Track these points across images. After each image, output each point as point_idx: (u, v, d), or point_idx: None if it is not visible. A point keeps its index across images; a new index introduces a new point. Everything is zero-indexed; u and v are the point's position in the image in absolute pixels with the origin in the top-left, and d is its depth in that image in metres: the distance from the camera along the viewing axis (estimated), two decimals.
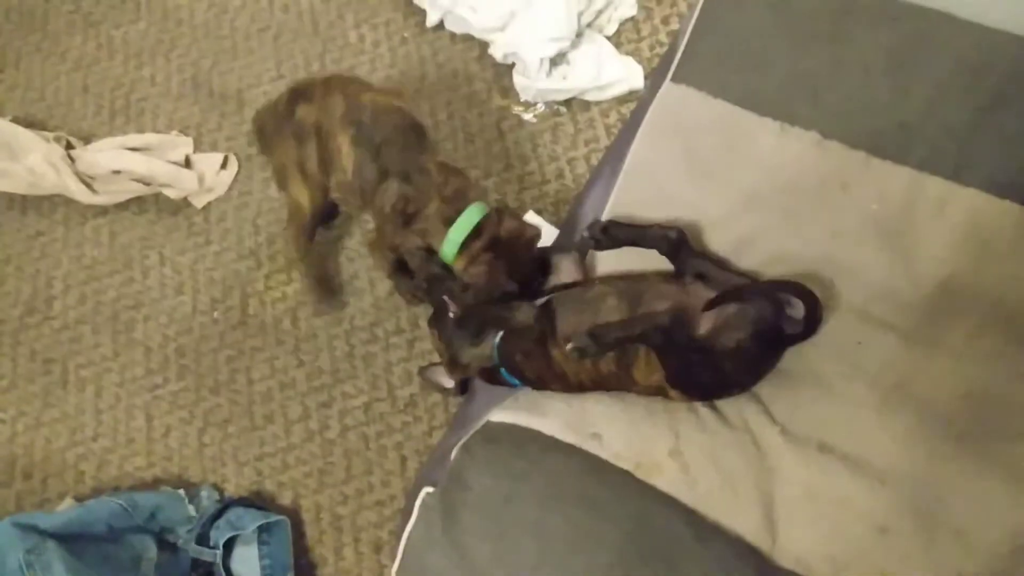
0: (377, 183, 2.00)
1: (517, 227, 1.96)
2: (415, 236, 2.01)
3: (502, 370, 1.88)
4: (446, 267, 2.00)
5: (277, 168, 2.20)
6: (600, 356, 1.68)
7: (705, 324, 1.64)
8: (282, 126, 2.10)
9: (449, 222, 1.94)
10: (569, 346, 1.66)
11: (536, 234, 1.97)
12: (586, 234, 1.83)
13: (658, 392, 1.68)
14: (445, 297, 2.00)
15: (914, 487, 1.55)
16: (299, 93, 2.09)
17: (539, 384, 1.81)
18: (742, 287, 1.69)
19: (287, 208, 2.27)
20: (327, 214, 2.43)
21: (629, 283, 1.76)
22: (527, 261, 1.95)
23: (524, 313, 1.82)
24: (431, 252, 2.01)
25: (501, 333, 1.88)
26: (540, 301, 1.83)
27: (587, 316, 1.72)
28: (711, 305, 1.64)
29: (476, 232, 1.94)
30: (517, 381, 1.86)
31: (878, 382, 1.65)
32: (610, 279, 1.82)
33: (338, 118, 2.01)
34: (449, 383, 2.08)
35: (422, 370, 2.19)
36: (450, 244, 1.94)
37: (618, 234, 1.81)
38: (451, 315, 1.98)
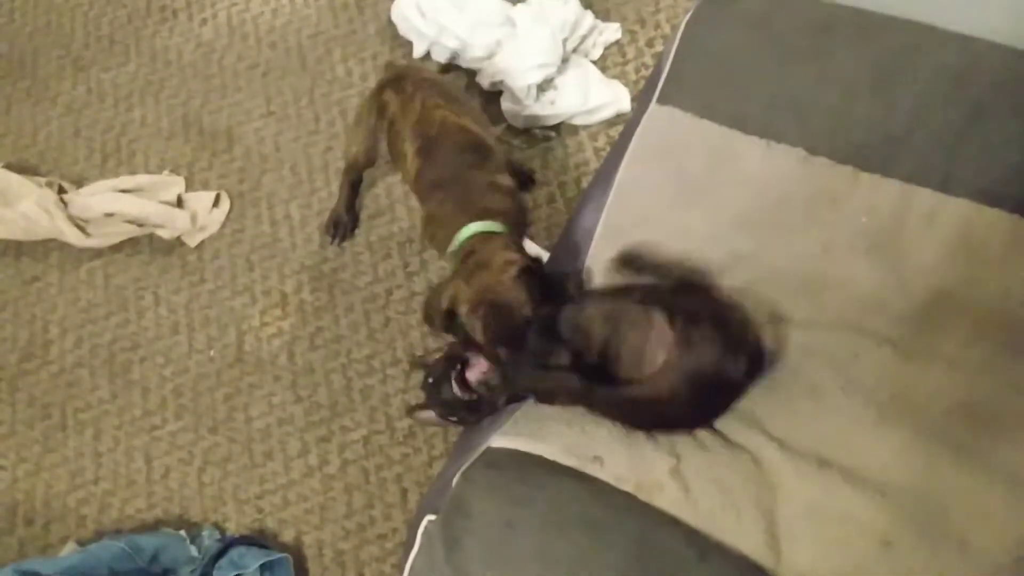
0: (431, 191, 2.12)
1: (495, 283, 1.89)
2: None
3: None
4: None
5: (360, 109, 2.39)
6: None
7: (651, 364, 1.63)
8: (374, 92, 2.30)
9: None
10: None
11: (519, 303, 1.87)
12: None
13: None
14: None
15: (915, 499, 1.54)
16: (395, 78, 2.27)
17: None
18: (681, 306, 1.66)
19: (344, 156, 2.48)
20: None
21: (614, 303, 1.75)
22: (511, 325, 1.86)
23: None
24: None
25: None
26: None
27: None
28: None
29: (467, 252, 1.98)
30: None
31: (875, 394, 1.64)
32: (601, 297, 1.82)
33: (410, 125, 2.14)
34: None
35: (411, 411, 2.07)
36: (449, 256, 2.02)
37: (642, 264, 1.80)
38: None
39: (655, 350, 1.63)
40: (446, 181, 2.09)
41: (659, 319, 1.64)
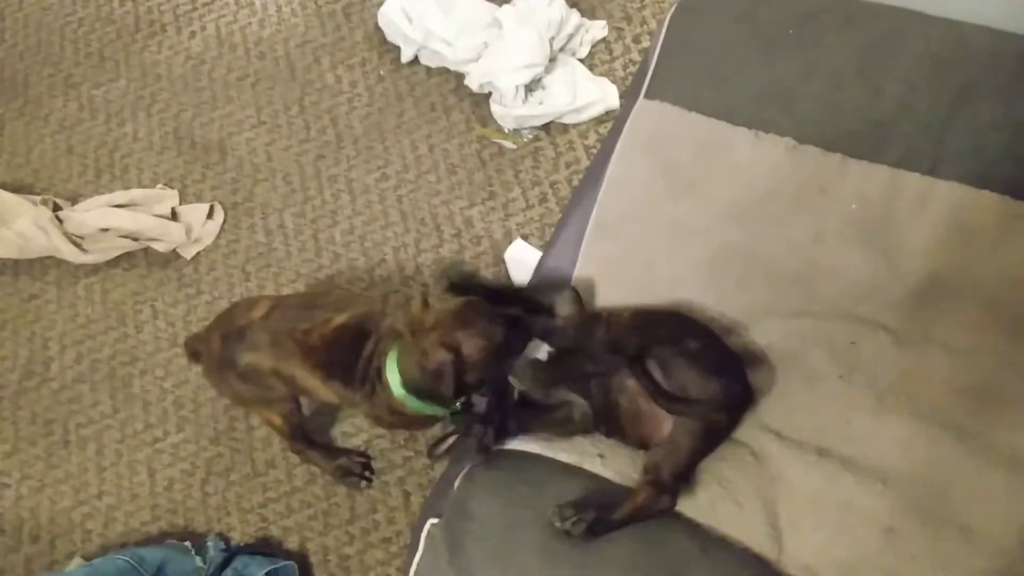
0: (369, 374, 1.84)
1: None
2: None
3: None
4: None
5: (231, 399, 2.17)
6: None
7: (657, 436, 1.60)
8: (221, 366, 1.96)
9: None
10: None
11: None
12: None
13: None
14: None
15: (917, 485, 1.55)
16: (235, 334, 1.93)
17: None
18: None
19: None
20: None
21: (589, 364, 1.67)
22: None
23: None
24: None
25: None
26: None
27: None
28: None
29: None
30: None
31: (873, 381, 1.65)
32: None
33: (298, 364, 1.87)
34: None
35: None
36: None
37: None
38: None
39: (655, 428, 1.60)
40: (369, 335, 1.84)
41: (648, 405, 1.59)
